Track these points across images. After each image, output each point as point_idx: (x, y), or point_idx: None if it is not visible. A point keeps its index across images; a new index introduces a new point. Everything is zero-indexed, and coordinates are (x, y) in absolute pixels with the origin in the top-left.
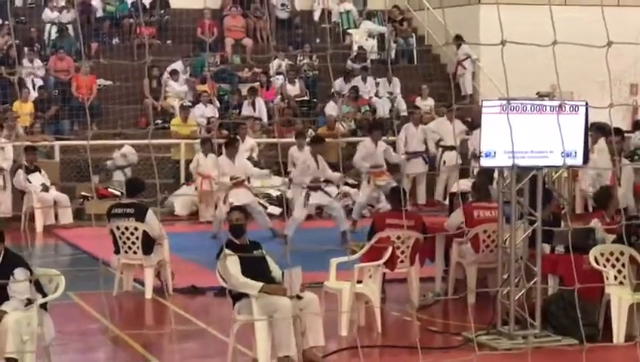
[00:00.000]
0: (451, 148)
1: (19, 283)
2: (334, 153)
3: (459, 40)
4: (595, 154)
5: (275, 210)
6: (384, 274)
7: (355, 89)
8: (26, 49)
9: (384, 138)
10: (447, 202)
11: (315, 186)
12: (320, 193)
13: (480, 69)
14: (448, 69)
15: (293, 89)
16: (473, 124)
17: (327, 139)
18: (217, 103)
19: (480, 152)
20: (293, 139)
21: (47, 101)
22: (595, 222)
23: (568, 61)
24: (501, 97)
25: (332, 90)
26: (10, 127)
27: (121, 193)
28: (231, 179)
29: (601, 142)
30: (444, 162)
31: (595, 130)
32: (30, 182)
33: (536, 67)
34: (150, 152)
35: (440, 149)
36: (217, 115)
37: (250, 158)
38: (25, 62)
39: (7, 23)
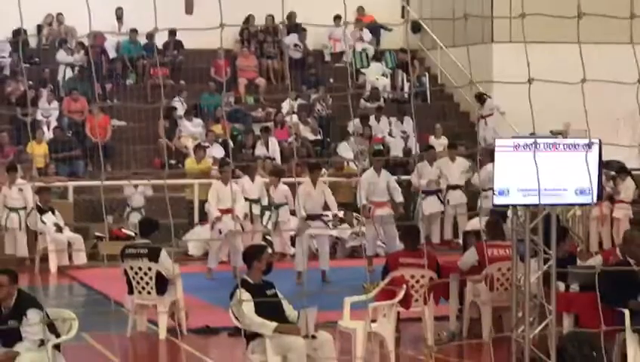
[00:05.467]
0: (455, 186)
1: (32, 324)
2: (345, 193)
3: (482, 97)
4: (622, 193)
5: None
6: (398, 313)
7: (368, 127)
8: (41, 90)
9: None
10: (460, 241)
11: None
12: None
13: (504, 117)
14: (462, 108)
15: (305, 129)
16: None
17: (337, 179)
18: (231, 143)
19: (493, 190)
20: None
21: (62, 142)
22: (594, 260)
23: (581, 100)
24: (514, 135)
25: (348, 129)
26: (26, 168)
27: (135, 234)
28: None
29: (628, 180)
30: (448, 201)
31: (618, 170)
32: (44, 223)
33: (549, 106)
34: (162, 192)
35: (444, 188)
36: (224, 155)
37: (258, 199)
38: (40, 102)
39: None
